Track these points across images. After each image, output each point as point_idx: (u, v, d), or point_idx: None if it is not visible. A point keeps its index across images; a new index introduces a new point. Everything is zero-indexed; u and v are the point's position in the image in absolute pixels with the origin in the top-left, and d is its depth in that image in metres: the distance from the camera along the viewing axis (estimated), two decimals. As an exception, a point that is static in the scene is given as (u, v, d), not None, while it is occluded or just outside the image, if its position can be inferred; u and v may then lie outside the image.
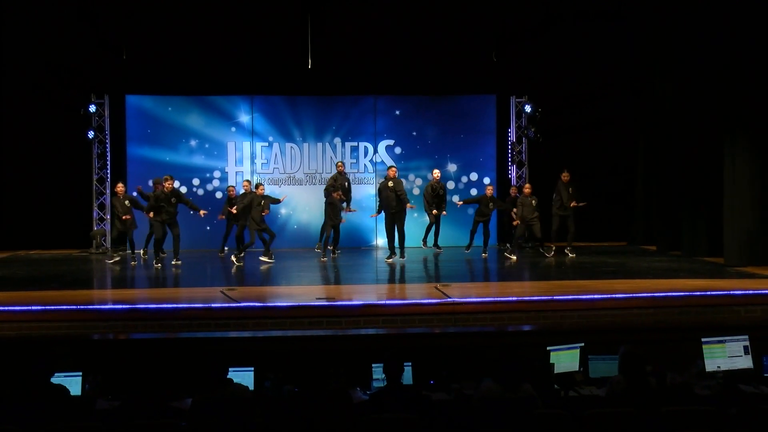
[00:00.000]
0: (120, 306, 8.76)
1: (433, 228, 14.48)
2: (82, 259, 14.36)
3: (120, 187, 13.53)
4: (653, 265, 12.47)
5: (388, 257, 13.45)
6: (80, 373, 6.29)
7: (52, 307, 8.58)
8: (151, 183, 14.21)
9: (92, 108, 15.90)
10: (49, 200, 15.71)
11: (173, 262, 13.18)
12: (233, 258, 13.35)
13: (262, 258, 13.31)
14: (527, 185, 14.41)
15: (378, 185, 14.41)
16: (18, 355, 6.78)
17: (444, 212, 14.32)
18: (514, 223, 14.24)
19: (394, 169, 13.65)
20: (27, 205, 15.72)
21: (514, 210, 14.49)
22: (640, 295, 9.08)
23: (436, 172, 14.49)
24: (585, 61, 15.82)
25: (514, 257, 13.56)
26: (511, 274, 12.31)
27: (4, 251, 15.30)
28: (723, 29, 12.31)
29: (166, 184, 13.09)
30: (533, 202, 13.86)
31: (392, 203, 13.27)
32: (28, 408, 5.05)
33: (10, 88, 15.50)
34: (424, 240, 14.57)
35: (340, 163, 15.02)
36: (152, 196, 13.17)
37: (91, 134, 15.97)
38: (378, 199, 14.04)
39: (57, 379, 5.70)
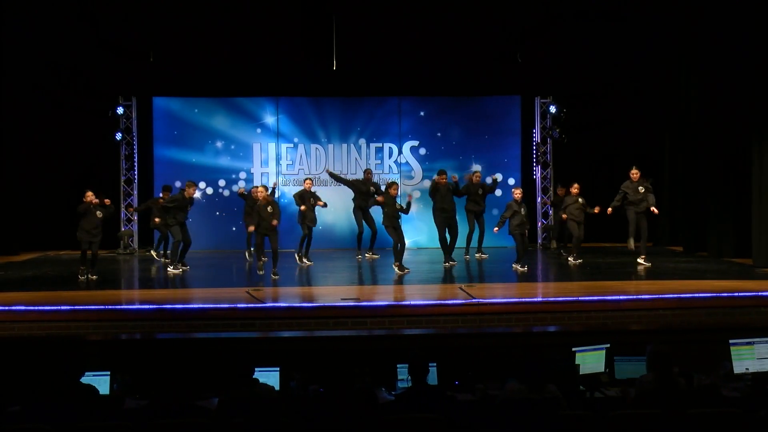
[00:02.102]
0: (147, 306, 8.87)
1: (476, 233, 13.92)
2: (110, 260, 14.51)
3: (89, 196, 11.75)
4: (680, 266, 12.37)
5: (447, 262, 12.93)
6: (108, 373, 6.37)
7: (81, 307, 8.70)
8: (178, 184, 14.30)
9: (120, 110, 16.09)
10: (78, 201, 15.83)
11: (171, 269, 12.42)
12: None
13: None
14: (575, 185, 13.44)
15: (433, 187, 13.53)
16: (48, 355, 6.87)
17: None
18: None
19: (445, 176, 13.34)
20: (56, 206, 15.86)
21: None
22: (666, 296, 9.03)
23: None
24: (610, 61, 15.72)
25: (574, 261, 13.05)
26: (535, 275, 12.23)
27: (34, 252, 15.54)
28: (750, 26, 12.19)
29: (189, 190, 12.58)
30: (581, 200, 13.26)
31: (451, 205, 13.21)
32: (58, 407, 5.13)
33: (39, 91, 15.69)
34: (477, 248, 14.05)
35: (368, 170, 14.69)
36: (176, 198, 12.60)
37: (118, 136, 16.18)
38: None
39: (86, 378, 5.77)
